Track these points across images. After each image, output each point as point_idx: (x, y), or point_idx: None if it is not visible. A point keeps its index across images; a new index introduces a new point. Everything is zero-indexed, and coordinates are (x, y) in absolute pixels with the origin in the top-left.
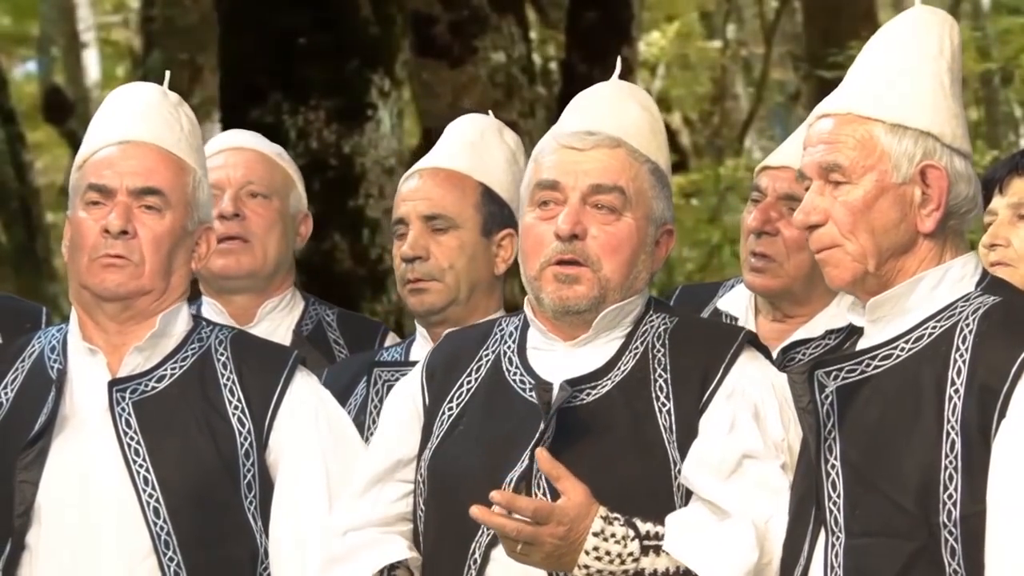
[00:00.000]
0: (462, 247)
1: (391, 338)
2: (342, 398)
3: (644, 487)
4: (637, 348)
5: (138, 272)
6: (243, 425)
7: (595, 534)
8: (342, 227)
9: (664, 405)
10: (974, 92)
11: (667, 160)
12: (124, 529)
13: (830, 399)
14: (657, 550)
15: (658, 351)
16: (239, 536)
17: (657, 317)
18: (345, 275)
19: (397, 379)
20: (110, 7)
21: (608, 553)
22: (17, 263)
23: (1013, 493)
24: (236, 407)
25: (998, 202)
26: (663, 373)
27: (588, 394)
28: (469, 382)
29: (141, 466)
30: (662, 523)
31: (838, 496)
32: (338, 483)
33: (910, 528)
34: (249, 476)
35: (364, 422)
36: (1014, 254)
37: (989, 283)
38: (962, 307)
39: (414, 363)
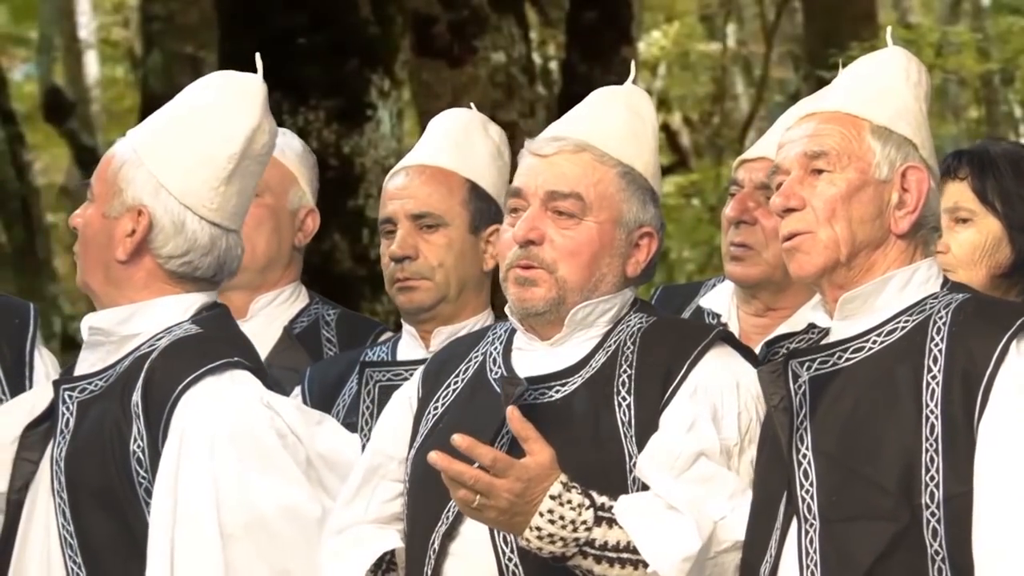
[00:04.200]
0: (451, 245)
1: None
2: (329, 397)
3: (599, 479)
4: (610, 347)
5: (80, 271)
6: (141, 435)
7: (552, 497)
8: (342, 227)
9: (624, 400)
10: (974, 92)
11: (648, 162)
12: (49, 528)
13: (803, 389)
14: (610, 522)
15: (628, 348)
16: (144, 542)
17: (636, 316)
18: (345, 275)
19: (388, 379)
20: (110, 7)
21: (562, 518)
22: (17, 263)
23: (1000, 474)
24: (135, 415)
25: None
26: (628, 369)
27: (557, 391)
28: (456, 383)
29: (58, 466)
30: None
31: (811, 484)
32: (232, 495)
33: (893, 510)
34: (145, 483)
35: (356, 423)
36: (954, 260)
37: (952, 285)
38: (932, 303)
39: (402, 362)
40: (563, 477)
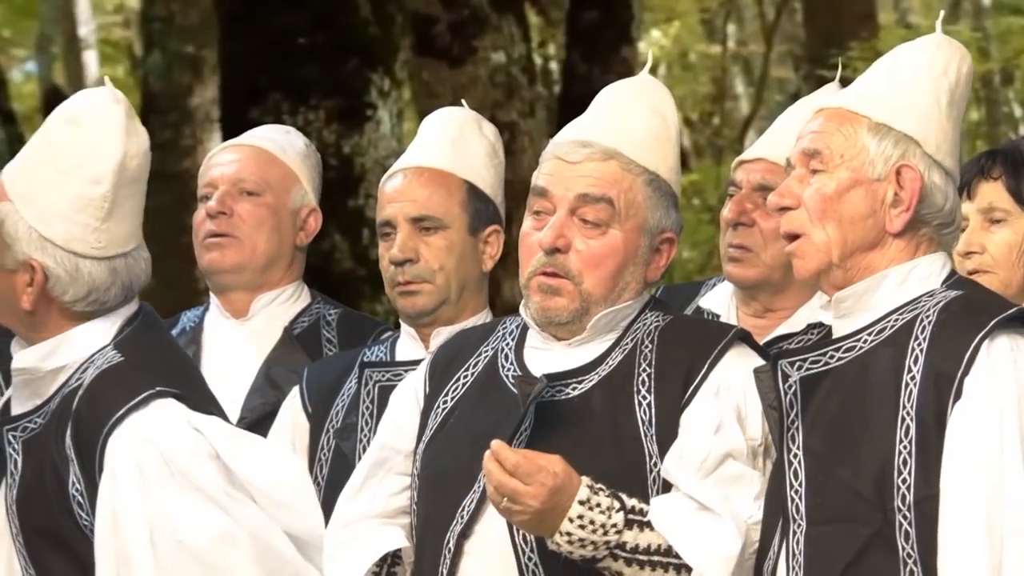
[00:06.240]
0: (451, 247)
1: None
2: (328, 397)
3: (619, 479)
4: (626, 345)
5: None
6: (78, 478)
7: (581, 502)
8: (342, 227)
9: (645, 399)
10: (974, 92)
11: (671, 166)
12: (14, 570)
13: (793, 389)
14: (641, 525)
15: (646, 347)
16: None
17: (652, 316)
18: (345, 275)
19: (387, 379)
20: (110, 7)
21: (592, 522)
22: None
23: (966, 475)
24: (70, 458)
25: (967, 207)
26: (648, 368)
27: (574, 388)
28: (465, 377)
29: (12, 510)
30: (647, 503)
31: (800, 485)
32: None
33: (866, 513)
34: (89, 524)
35: (355, 422)
36: (991, 260)
37: (955, 281)
38: (925, 301)
39: (401, 363)
40: (587, 480)
